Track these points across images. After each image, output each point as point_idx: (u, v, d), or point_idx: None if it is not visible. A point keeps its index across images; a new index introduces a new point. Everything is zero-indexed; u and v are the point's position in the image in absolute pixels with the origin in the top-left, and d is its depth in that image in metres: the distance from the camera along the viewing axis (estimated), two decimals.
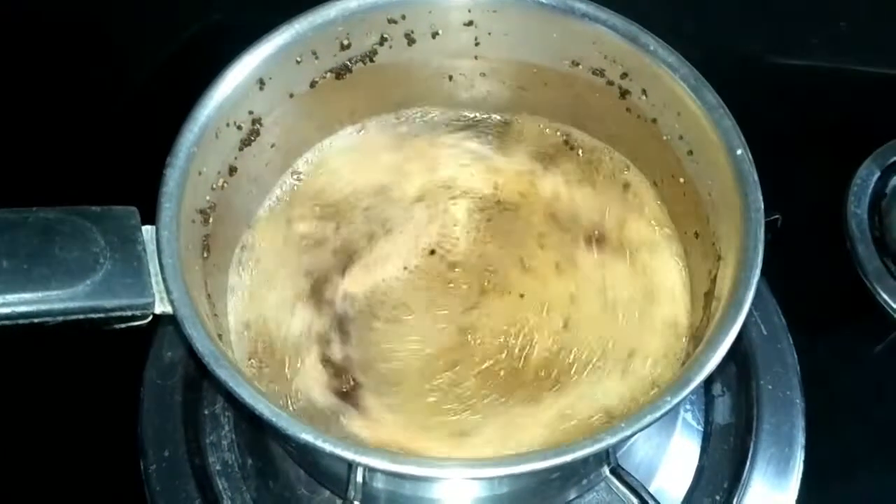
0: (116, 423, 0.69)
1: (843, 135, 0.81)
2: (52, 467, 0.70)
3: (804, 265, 0.76)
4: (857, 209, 0.77)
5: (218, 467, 0.68)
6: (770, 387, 0.70)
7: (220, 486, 0.67)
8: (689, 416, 0.70)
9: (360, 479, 0.55)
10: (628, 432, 0.44)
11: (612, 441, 0.44)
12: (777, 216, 0.68)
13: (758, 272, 0.48)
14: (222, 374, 0.46)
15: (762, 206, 0.51)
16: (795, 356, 0.71)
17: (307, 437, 0.44)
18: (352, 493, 0.57)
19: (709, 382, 0.71)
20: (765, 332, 0.72)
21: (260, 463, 0.68)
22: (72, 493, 0.70)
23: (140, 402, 0.69)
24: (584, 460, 0.49)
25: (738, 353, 0.72)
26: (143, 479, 0.67)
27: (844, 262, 0.75)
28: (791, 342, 0.71)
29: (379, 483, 0.56)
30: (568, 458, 0.43)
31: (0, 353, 0.69)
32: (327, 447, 0.44)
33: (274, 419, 0.45)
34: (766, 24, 0.91)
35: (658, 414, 0.45)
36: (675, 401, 0.45)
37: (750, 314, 0.71)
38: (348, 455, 0.44)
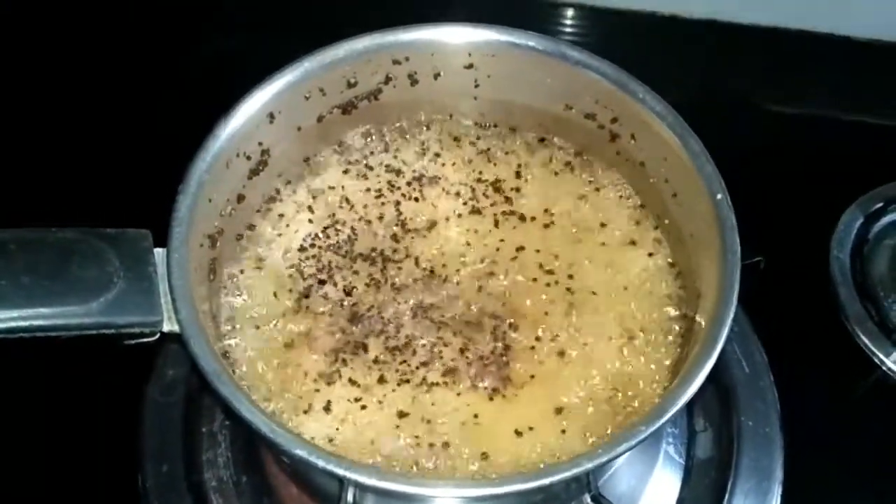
0: (117, 437, 0.71)
1: (829, 181, 0.84)
2: (52, 479, 0.72)
3: (787, 306, 0.78)
4: (840, 254, 0.79)
5: (214, 484, 0.70)
6: (751, 423, 0.72)
7: (216, 503, 0.69)
8: (671, 449, 0.72)
9: (350, 497, 0.57)
10: (604, 458, 0.46)
11: (589, 466, 0.46)
12: (760, 259, 0.70)
13: (732, 311, 0.51)
14: (224, 390, 0.48)
15: (738, 249, 0.54)
16: (776, 394, 0.73)
17: (301, 452, 0.47)
18: None
19: (691, 417, 0.73)
20: (747, 370, 0.75)
21: (254, 480, 0.70)
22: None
23: (141, 417, 0.71)
24: (565, 485, 0.52)
25: (721, 389, 0.74)
26: (141, 493, 0.69)
27: (826, 305, 0.78)
28: (772, 380, 0.74)
29: (369, 502, 0.58)
30: (546, 480, 0.46)
31: (8, 366, 0.72)
32: (320, 463, 0.46)
33: (271, 435, 0.47)
34: (757, 71, 0.94)
35: (633, 442, 0.47)
36: (650, 430, 0.47)
37: (732, 352, 0.76)
38: (340, 471, 0.46)
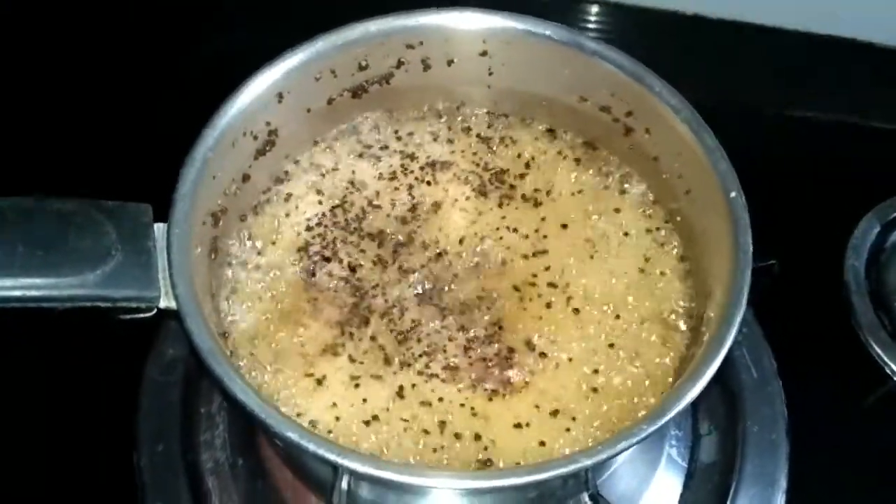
0: (115, 415, 0.70)
1: (846, 187, 0.83)
2: (48, 454, 0.72)
3: (799, 312, 0.77)
4: (856, 262, 0.78)
5: (209, 465, 0.69)
6: (756, 429, 0.71)
7: (210, 484, 0.69)
8: (674, 451, 0.71)
9: (344, 485, 0.56)
10: (603, 456, 0.45)
11: (588, 463, 0.45)
12: (773, 262, 0.69)
13: (741, 311, 0.50)
14: (218, 370, 0.47)
15: (751, 248, 0.52)
16: (784, 400, 0.72)
17: (293, 435, 0.46)
18: (336, 499, 0.58)
19: (696, 420, 0.72)
20: (755, 375, 0.73)
21: (250, 464, 0.69)
22: (66, 480, 0.71)
23: (139, 395, 0.71)
24: (563, 482, 0.51)
25: (727, 393, 0.73)
26: (136, 472, 0.68)
27: (839, 313, 0.76)
28: (781, 387, 0.72)
29: (363, 491, 0.58)
30: (543, 475, 0.45)
31: (8, 339, 0.72)
32: (311, 447, 0.45)
33: (263, 416, 0.46)
34: (778, 74, 0.93)
35: (633, 440, 0.46)
36: (650, 429, 0.46)
37: (741, 356, 0.74)
38: (331, 456, 0.45)
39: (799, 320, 0.76)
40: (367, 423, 0.54)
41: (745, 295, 0.50)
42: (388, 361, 0.56)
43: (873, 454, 0.73)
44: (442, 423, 0.54)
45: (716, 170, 0.55)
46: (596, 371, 0.56)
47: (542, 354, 0.57)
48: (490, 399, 0.55)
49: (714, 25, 0.94)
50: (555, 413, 0.54)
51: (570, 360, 0.57)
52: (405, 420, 0.54)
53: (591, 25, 0.94)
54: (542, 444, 0.53)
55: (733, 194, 0.54)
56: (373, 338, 0.57)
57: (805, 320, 0.76)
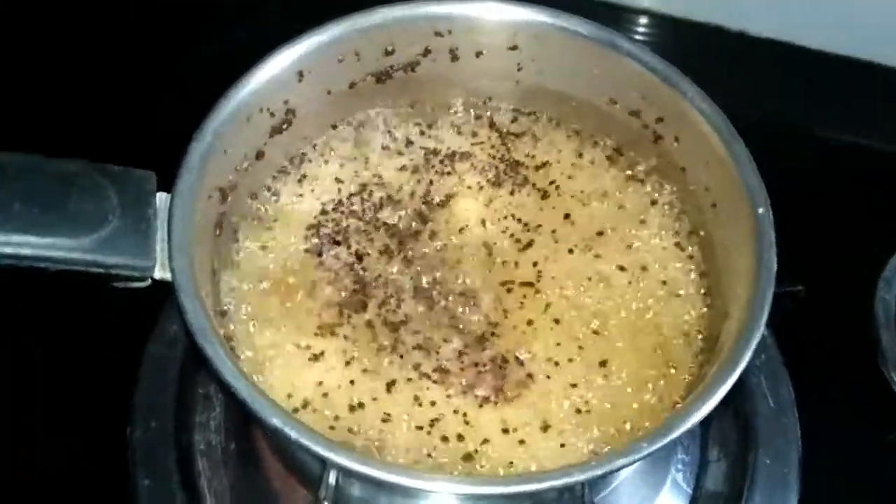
0: (114, 389, 0.69)
1: (882, 216, 0.80)
2: (46, 425, 0.71)
3: (824, 342, 0.74)
4: (887, 295, 0.75)
5: (202, 447, 0.68)
6: (768, 460, 0.68)
7: (201, 466, 0.67)
8: (679, 476, 0.68)
9: (332, 479, 0.55)
10: (598, 472, 0.43)
11: (581, 478, 0.43)
12: (801, 288, 0.67)
13: (759, 332, 0.47)
14: (207, 348, 0.46)
15: (775, 268, 0.50)
16: (799, 433, 0.69)
17: (276, 422, 0.44)
18: (323, 493, 0.57)
19: (705, 446, 0.69)
20: (772, 405, 0.71)
21: (243, 449, 0.68)
22: (57, 449, 0.70)
23: (139, 369, 0.70)
24: (557, 495, 0.49)
25: (741, 420, 0.70)
26: (128, 446, 0.67)
27: (866, 346, 0.73)
28: (797, 418, 0.69)
29: (351, 488, 0.56)
30: (532, 486, 0.43)
31: (13, 306, 0.71)
32: (298, 438, 0.44)
33: (248, 400, 0.45)
34: (819, 96, 0.90)
35: (631, 458, 0.44)
36: (651, 448, 0.44)
37: (759, 383, 0.71)
38: (319, 450, 0.44)
39: (822, 351, 0.73)
40: (352, 408, 0.52)
41: (765, 316, 0.48)
42: (381, 349, 0.55)
43: (889, 495, 0.70)
44: (431, 422, 0.52)
45: (745, 183, 0.53)
46: (596, 386, 0.54)
47: (546, 361, 0.55)
48: (481, 406, 0.53)
49: (757, 43, 0.91)
50: (546, 428, 0.52)
51: (571, 374, 0.54)
52: (400, 410, 0.53)
53: (636, 36, 0.92)
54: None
55: (761, 210, 0.51)
56: (369, 324, 0.55)
57: (829, 351, 0.73)
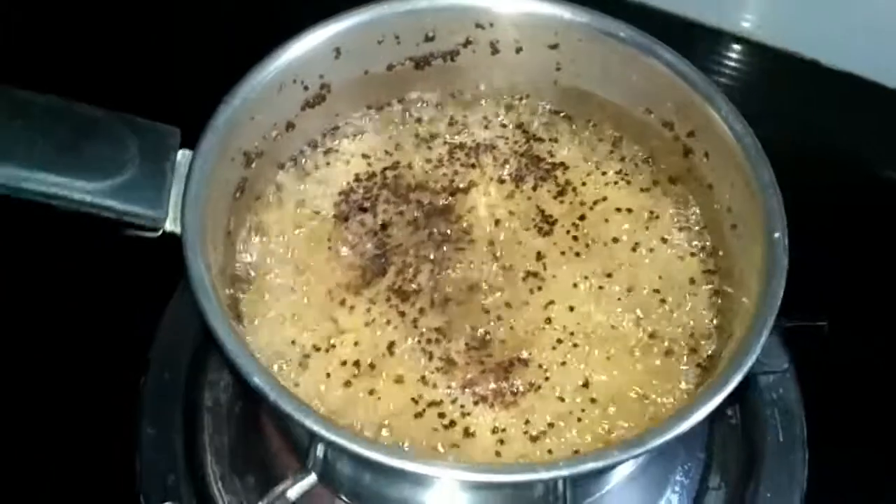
0: (135, 341, 0.71)
1: None
2: (60, 367, 0.73)
3: (846, 384, 0.71)
4: None
5: (209, 404, 0.70)
6: (769, 495, 0.66)
7: (205, 421, 0.69)
8: (675, 498, 0.67)
9: (320, 453, 0.55)
10: (564, 472, 0.43)
11: (546, 476, 0.42)
12: (824, 323, 0.65)
13: (753, 359, 0.46)
14: (204, 303, 0.47)
15: (781, 295, 0.48)
16: (805, 473, 0.67)
17: (258, 381, 0.45)
18: (310, 463, 0.58)
19: (707, 471, 0.68)
20: (781, 439, 0.69)
21: (247, 412, 0.69)
22: (74, 392, 0.72)
23: (160, 323, 0.72)
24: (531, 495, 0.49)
25: (747, 450, 0.68)
26: (140, 393, 0.69)
27: (889, 393, 0.71)
28: (806, 457, 0.68)
29: (339, 462, 0.57)
30: (499, 477, 0.43)
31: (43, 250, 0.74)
32: (272, 395, 0.45)
33: (235, 357, 0.46)
34: (882, 133, 0.87)
35: (600, 464, 0.43)
36: (623, 457, 0.43)
37: (771, 416, 0.70)
38: (288, 408, 0.44)
39: (844, 393, 0.71)
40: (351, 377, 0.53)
41: (762, 341, 0.47)
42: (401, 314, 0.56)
43: None
44: (419, 400, 0.53)
45: (765, 206, 0.51)
46: (594, 400, 0.53)
47: (544, 369, 0.54)
48: (476, 403, 0.53)
49: (829, 74, 0.88)
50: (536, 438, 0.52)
51: (574, 383, 0.54)
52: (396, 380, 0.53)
53: (730, 62, 0.90)
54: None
55: (777, 234, 0.50)
56: (389, 288, 0.57)
57: (850, 394, 0.71)
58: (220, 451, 0.68)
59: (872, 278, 0.76)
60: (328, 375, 0.54)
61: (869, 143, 0.88)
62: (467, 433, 0.52)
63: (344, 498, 0.63)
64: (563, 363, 0.54)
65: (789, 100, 0.87)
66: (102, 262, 0.74)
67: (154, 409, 0.69)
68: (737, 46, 0.90)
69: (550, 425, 0.52)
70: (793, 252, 0.50)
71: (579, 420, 0.52)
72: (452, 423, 0.52)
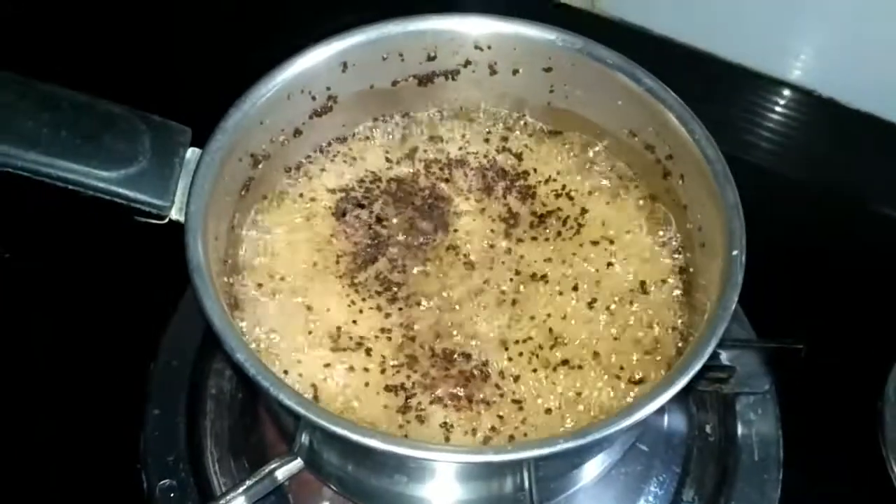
0: (146, 326, 0.76)
1: None
2: (71, 350, 0.78)
3: (824, 408, 0.73)
4: None
5: (213, 391, 0.74)
6: None
7: (208, 407, 0.73)
8: None
9: (305, 439, 0.59)
10: (514, 456, 0.46)
11: (496, 458, 0.46)
12: (801, 346, 0.66)
13: (689, 376, 0.49)
14: (199, 284, 0.52)
15: (731, 311, 0.51)
16: (778, 493, 0.69)
17: (240, 356, 0.49)
18: (296, 447, 0.61)
19: (682, 485, 0.70)
20: (756, 458, 0.71)
21: (247, 401, 0.73)
22: (84, 373, 0.76)
23: (174, 312, 0.77)
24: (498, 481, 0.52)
25: (721, 466, 0.70)
26: (148, 378, 0.74)
27: (867, 420, 0.72)
28: (780, 478, 0.69)
29: (322, 449, 0.60)
30: (475, 458, 0.46)
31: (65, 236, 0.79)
32: (252, 371, 0.49)
33: (223, 336, 0.50)
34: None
35: (546, 451, 0.46)
36: (567, 445, 0.46)
37: (748, 435, 0.72)
38: (265, 384, 0.48)
39: (821, 416, 0.72)
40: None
41: (706, 355, 0.49)
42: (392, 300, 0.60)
43: None
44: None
45: (728, 227, 0.54)
46: (559, 406, 0.56)
47: (514, 378, 0.58)
48: (445, 406, 0.56)
49: (851, 115, 0.90)
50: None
51: (542, 393, 0.57)
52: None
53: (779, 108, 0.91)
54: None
55: (735, 252, 0.53)
56: (377, 276, 0.61)
57: (828, 418, 0.73)
58: (219, 436, 0.72)
59: (854, 308, 0.77)
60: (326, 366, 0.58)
61: (874, 179, 0.88)
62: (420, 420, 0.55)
63: (332, 487, 0.67)
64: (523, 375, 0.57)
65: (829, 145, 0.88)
66: (123, 255, 0.79)
67: (160, 392, 0.74)
68: (787, 93, 0.91)
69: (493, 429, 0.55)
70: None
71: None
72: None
